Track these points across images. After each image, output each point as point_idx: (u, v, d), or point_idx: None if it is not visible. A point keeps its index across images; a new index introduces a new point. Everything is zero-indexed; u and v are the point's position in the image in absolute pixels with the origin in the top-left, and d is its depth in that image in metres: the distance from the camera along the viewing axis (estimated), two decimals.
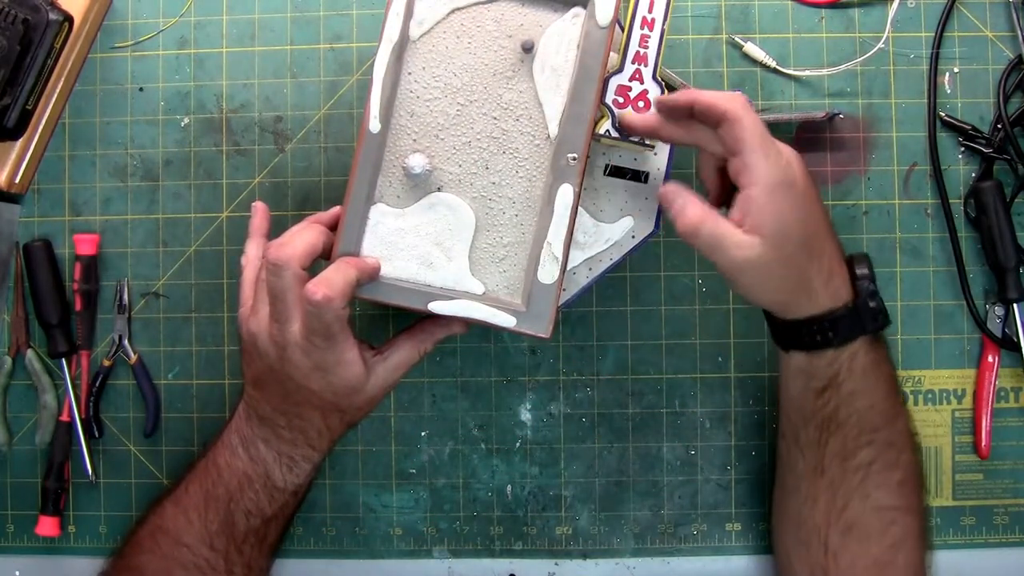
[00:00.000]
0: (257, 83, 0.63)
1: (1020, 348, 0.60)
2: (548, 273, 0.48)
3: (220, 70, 0.64)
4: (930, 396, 0.62)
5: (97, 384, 0.63)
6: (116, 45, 0.64)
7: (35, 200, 0.64)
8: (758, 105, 0.62)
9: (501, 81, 0.49)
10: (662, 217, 0.55)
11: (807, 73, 0.62)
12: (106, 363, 0.63)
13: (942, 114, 0.62)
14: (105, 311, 0.64)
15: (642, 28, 0.50)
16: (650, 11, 0.50)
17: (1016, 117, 0.60)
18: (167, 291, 0.63)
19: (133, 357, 0.63)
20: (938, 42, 0.62)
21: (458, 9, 0.49)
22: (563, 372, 0.63)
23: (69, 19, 0.59)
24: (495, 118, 0.49)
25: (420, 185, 0.49)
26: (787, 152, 0.48)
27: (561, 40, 0.48)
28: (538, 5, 0.49)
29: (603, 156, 0.54)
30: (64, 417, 0.63)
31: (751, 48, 0.62)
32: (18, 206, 0.64)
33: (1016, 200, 0.61)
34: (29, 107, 0.58)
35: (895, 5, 0.61)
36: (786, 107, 0.62)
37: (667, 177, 0.54)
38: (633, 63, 0.50)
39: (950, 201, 0.62)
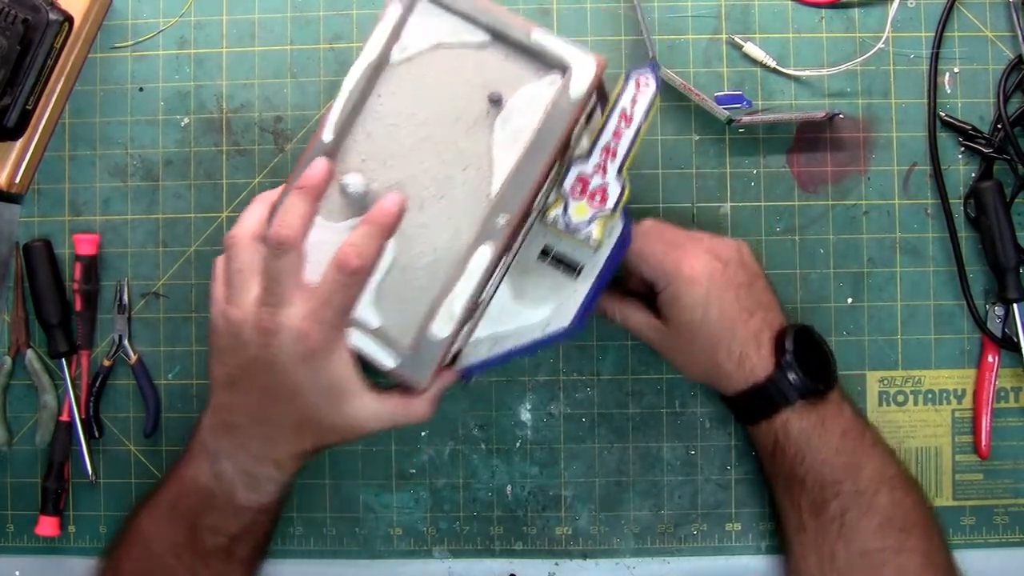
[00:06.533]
0: (257, 83, 0.63)
1: (1020, 348, 0.60)
2: (441, 328, 0.45)
3: (220, 70, 0.64)
4: (930, 396, 0.62)
5: (97, 384, 0.63)
6: (116, 45, 0.64)
7: (35, 200, 0.64)
8: (758, 105, 0.62)
9: (462, 127, 0.47)
10: (587, 317, 0.53)
11: (807, 73, 0.62)
12: (106, 363, 0.63)
13: (942, 114, 0.62)
14: (105, 311, 0.64)
15: (619, 121, 0.48)
16: (632, 106, 0.48)
17: (1016, 117, 0.60)
18: (167, 291, 0.63)
19: (133, 357, 0.63)
20: (938, 42, 0.62)
21: (443, 46, 0.47)
22: (563, 372, 0.63)
23: (69, 19, 0.59)
24: (445, 162, 0.47)
25: (352, 205, 0.47)
26: (699, 262, 0.52)
27: (531, 102, 0.46)
28: (522, 62, 0.46)
29: (543, 239, 0.52)
30: (64, 417, 0.63)
31: (751, 48, 0.62)
32: (18, 206, 0.64)
33: (1016, 200, 0.61)
34: (29, 107, 0.58)
35: (895, 5, 0.61)
36: (786, 107, 0.62)
37: (603, 279, 0.52)
38: (601, 154, 0.48)
39: (950, 201, 0.62)
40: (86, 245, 0.63)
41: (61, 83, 0.62)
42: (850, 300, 0.62)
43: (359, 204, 0.47)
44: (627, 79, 0.48)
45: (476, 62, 0.47)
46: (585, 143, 0.49)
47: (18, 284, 0.63)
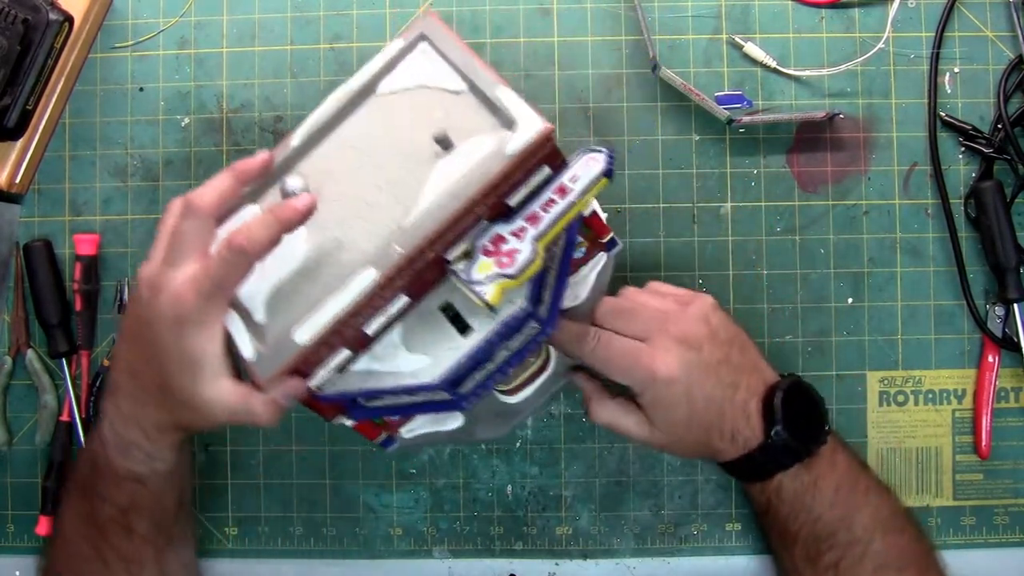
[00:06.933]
0: (257, 83, 0.63)
1: (1020, 348, 0.60)
2: (302, 333, 0.45)
3: (220, 70, 0.64)
4: (930, 396, 0.62)
5: (97, 384, 0.63)
6: (116, 45, 0.64)
7: (35, 200, 0.64)
8: (758, 105, 0.62)
9: (408, 161, 0.47)
10: (479, 396, 0.50)
11: (807, 73, 0.62)
12: (106, 363, 0.63)
13: (942, 114, 0.62)
14: (105, 311, 0.64)
15: (555, 192, 0.46)
16: (572, 182, 0.46)
17: (1016, 117, 0.60)
18: None
19: None
20: (938, 42, 0.62)
21: (425, 87, 0.48)
22: None
23: (69, 19, 0.59)
24: (379, 187, 0.47)
25: None
26: (671, 359, 0.50)
27: (475, 150, 0.46)
28: (486, 115, 0.47)
29: (451, 294, 0.49)
30: (64, 417, 0.63)
31: (751, 48, 0.62)
32: (18, 206, 0.64)
33: (1016, 200, 0.61)
34: (29, 107, 0.59)
35: (895, 5, 0.61)
36: (786, 107, 0.62)
37: (507, 364, 0.50)
38: (525, 220, 0.46)
39: (950, 201, 0.62)
40: (86, 245, 0.63)
41: (61, 83, 0.62)
42: (850, 300, 0.62)
43: None
44: (579, 154, 0.47)
45: (447, 107, 0.48)
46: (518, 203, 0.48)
47: (18, 284, 0.63)
